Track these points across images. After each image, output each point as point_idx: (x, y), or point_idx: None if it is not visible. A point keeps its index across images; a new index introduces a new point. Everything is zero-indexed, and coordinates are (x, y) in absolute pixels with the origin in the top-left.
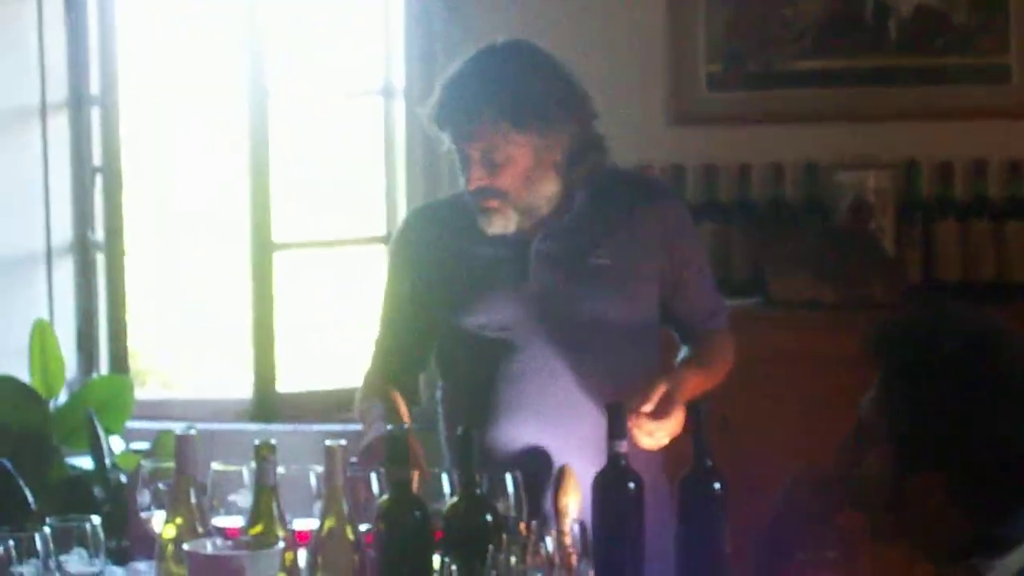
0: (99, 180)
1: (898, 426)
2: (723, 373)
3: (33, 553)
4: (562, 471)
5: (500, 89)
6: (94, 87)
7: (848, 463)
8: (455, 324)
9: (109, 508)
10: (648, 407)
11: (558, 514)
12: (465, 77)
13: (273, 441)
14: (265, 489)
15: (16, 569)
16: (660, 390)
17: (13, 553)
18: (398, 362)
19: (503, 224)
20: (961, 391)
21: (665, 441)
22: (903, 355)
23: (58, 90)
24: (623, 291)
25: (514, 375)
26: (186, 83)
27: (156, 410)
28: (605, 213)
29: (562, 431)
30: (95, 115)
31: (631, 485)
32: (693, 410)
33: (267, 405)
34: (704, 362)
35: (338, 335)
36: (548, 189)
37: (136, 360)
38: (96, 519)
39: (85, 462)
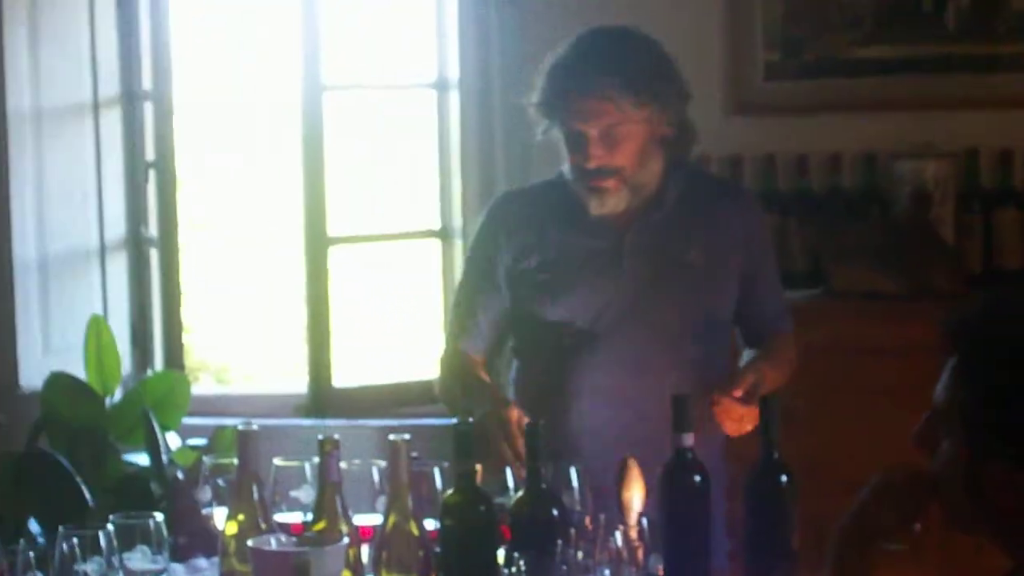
0: (152, 175)
1: (972, 414)
2: (788, 374)
3: (96, 551)
4: (625, 464)
5: (617, 66)
6: (146, 82)
7: (925, 450)
8: (541, 310)
9: (167, 505)
10: (739, 392)
11: (622, 508)
12: (575, 59)
13: (337, 436)
14: (329, 485)
15: (80, 567)
16: (749, 378)
17: (77, 551)
18: (476, 344)
19: (615, 203)
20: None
21: (750, 428)
22: (979, 341)
23: (110, 85)
24: (709, 289)
25: (595, 364)
26: (239, 77)
27: (211, 406)
28: (694, 211)
29: (641, 424)
30: (148, 110)
31: (697, 478)
32: (763, 403)
33: (322, 400)
34: (775, 362)
35: (393, 330)
36: (655, 166)
37: (190, 356)
38: (159, 516)
39: (142, 459)
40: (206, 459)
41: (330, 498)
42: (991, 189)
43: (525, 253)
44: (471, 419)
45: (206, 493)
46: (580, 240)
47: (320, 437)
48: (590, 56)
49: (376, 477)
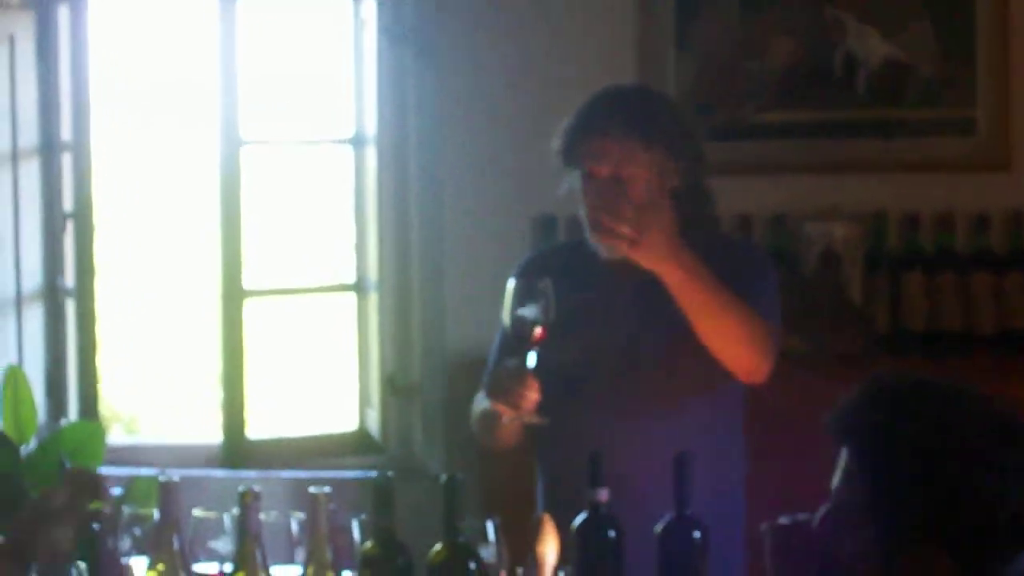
0: (70, 226)
1: (879, 504)
2: (735, 330)
3: None
4: (540, 519)
5: (630, 109)
6: (65, 132)
7: (832, 545)
8: (548, 360)
9: (82, 554)
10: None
11: (536, 562)
12: (595, 103)
13: (257, 488)
14: (248, 536)
15: None
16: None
17: None
18: None
19: (624, 248)
20: (934, 461)
21: (654, 247)
22: (865, 438)
23: (29, 135)
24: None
25: (590, 411)
26: (158, 130)
27: (124, 456)
28: None
29: (628, 474)
30: (67, 160)
31: (611, 533)
32: (678, 460)
33: (237, 451)
34: (720, 284)
35: (308, 382)
36: (664, 218)
37: (103, 406)
38: (83, 564)
39: None
40: (125, 508)
41: (250, 549)
42: (898, 252)
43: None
44: (390, 473)
45: (125, 542)
46: (586, 293)
47: (241, 489)
48: (603, 103)
49: (295, 529)
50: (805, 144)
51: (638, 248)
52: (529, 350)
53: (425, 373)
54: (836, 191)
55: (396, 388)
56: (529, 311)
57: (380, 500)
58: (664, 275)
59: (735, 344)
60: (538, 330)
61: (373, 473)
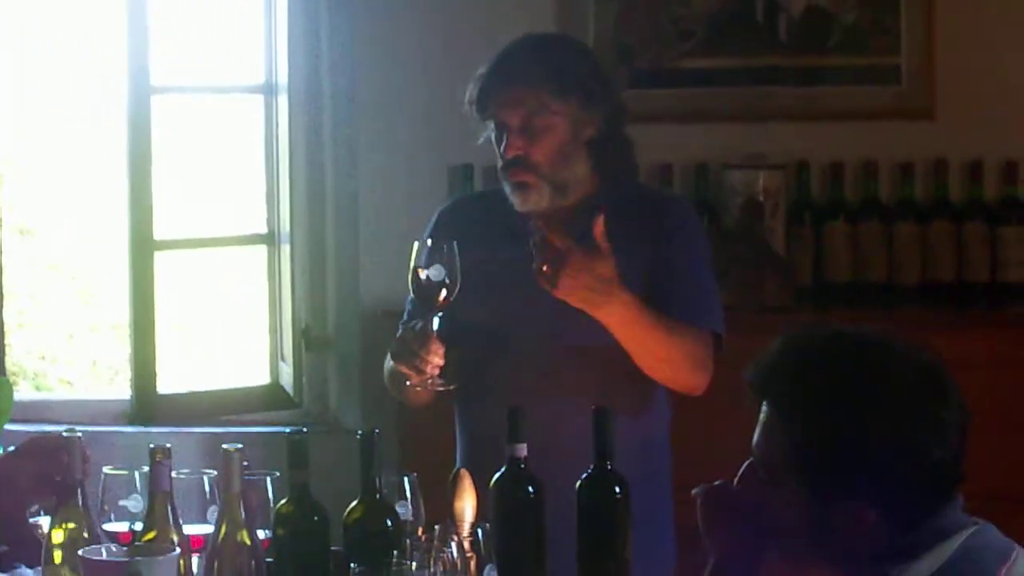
0: None
1: (800, 460)
2: (675, 358)
3: None
4: (457, 475)
5: (543, 58)
6: None
7: (756, 502)
8: (463, 315)
9: None
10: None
11: (455, 518)
12: (508, 52)
13: (168, 445)
14: (159, 494)
15: None
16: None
17: None
18: None
19: (536, 200)
20: (854, 413)
21: (578, 291)
22: (785, 391)
23: None
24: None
25: (509, 367)
26: (65, 77)
27: (33, 412)
28: (623, 223)
29: (548, 430)
30: None
31: (530, 488)
32: (598, 414)
33: (147, 407)
34: (658, 317)
35: (220, 335)
36: (580, 169)
37: (10, 361)
38: None
39: None
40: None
41: (161, 508)
42: (821, 202)
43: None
44: (304, 429)
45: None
46: (504, 246)
47: (151, 446)
48: (516, 51)
49: (207, 486)
50: (727, 92)
51: (559, 289)
52: (435, 313)
53: (339, 325)
54: (759, 140)
55: (310, 341)
56: (434, 273)
57: (294, 457)
58: (600, 318)
59: (675, 371)
60: (443, 292)
61: (287, 428)
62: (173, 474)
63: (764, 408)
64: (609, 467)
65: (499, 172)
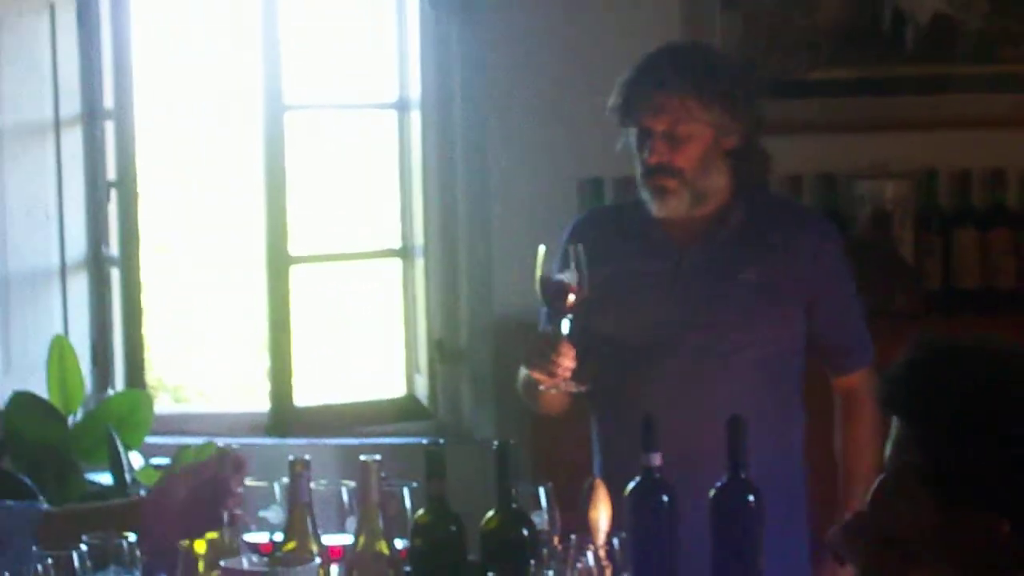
0: (114, 194)
1: (934, 471)
2: (876, 447)
3: (69, 572)
4: (591, 485)
5: (689, 65)
6: (108, 101)
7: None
8: (601, 326)
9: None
10: None
11: (590, 528)
12: (653, 59)
13: (307, 457)
14: (299, 505)
15: None
16: None
17: (52, 572)
18: None
19: (676, 205)
20: (990, 424)
21: None
22: (916, 406)
23: (71, 104)
24: (765, 311)
25: (648, 378)
26: (202, 96)
27: (172, 425)
28: (760, 233)
29: (685, 441)
30: (109, 129)
31: (664, 498)
32: (731, 423)
33: (284, 419)
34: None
35: (354, 349)
36: (720, 179)
37: (149, 375)
38: (132, 536)
39: (105, 478)
40: None
41: (300, 518)
42: (949, 209)
43: (592, 266)
44: (441, 440)
45: None
46: (642, 257)
47: (291, 458)
48: (661, 58)
49: (345, 497)
50: (854, 102)
51: None
52: (562, 316)
53: (473, 338)
54: (886, 149)
55: (444, 353)
56: (561, 276)
57: (432, 467)
58: None
59: None
60: (571, 296)
61: (422, 440)
62: (312, 485)
63: (895, 423)
64: (743, 476)
65: (639, 178)
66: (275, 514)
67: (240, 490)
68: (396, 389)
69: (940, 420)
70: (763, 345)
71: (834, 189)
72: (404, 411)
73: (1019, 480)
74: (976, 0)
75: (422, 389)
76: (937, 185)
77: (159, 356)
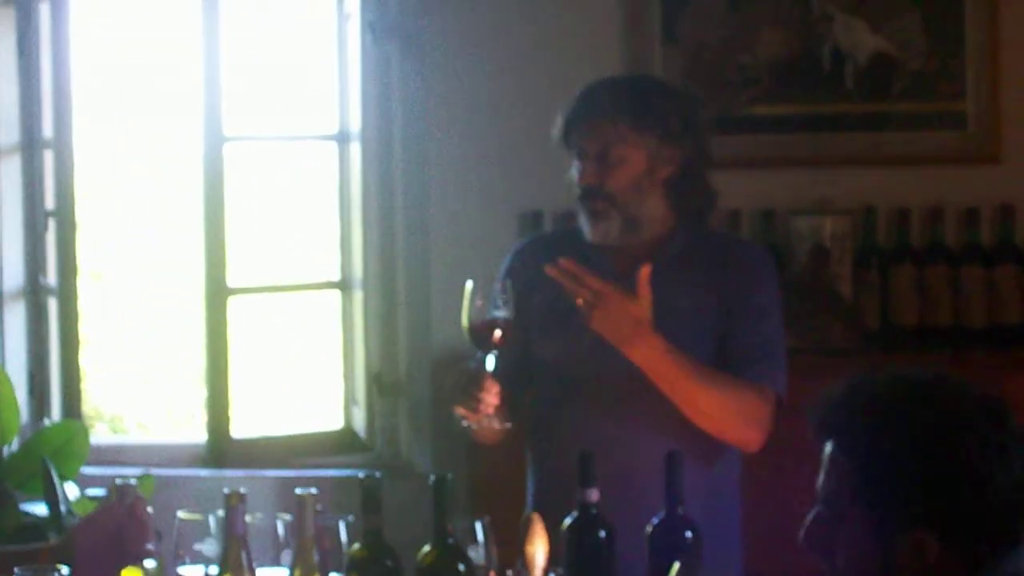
0: (52, 224)
1: (866, 492)
2: (718, 412)
3: None
4: (529, 519)
5: (625, 91)
6: (47, 130)
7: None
8: (538, 352)
9: (66, 556)
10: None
11: (526, 563)
12: (593, 86)
13: (243, 490)
14: (234, 538)
15: None
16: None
17: None
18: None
19: (606, 229)
20: (919, 446)
21: (608, 326)
22: (850, 431)
23: (10, 132)
24: (699, 343)
25: (580, 408)
26: (142, 126)
27: (109, 455)
28: (695, 266)
29: (618, 472)
30: (48, 158)
31: (601, 533)
32: (669, 458)
33: (221, 450)
34: (695, 367)
35: (292, 381)
36: (655, 208)
37: (85, 405)
38: (65, 569)
39: (40, 508)
40: None
41: (235, 552)
42: (888, 246)
43: (529, 293)
44: (377, 474)
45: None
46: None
47: (226, 490)
48: (600, 85)
49: (280, 530)
50: (794, 138)
51: (592, 321)
52: (488, 352)
53: (411, 371)
54: (825, 185)
55: (382, 386)
56: (488, 312)
57: (367, 501)
58: (631, 358)
59: (720, 424)
60: (497, 332)
61: (360, 472)
62: (248, 518)
63: (827, 447)
64: (680, 512)
65: (576, 203)
66: (210, 547)
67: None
68: (334, 422)
69: (868, 439)
70: None
71: (773, 225)
72: (342, 444)
73: (943, 497)
74: (914, 38)
75: (360, 422)
76: (876, 222)
77: (97, 386)
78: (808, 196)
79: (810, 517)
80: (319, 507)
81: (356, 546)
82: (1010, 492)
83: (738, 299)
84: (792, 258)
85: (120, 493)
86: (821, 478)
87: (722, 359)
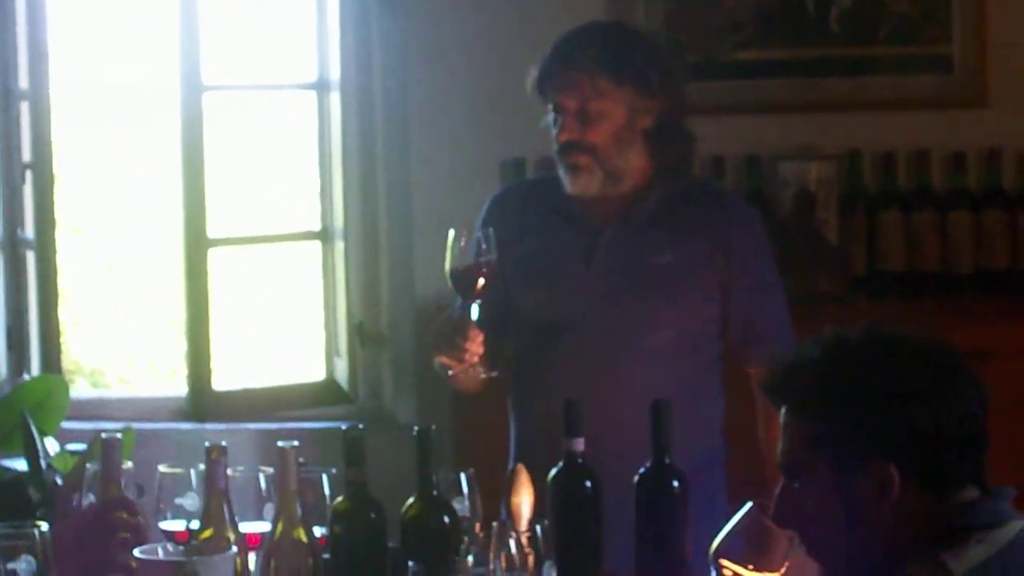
0: (29, 176)
1: (823, 437)
2: None
3: None
4: (514, 472)
5: (602, 43)
6: (23, 81)
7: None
8: (517, 302)
9: (45, 512)
10: None
11: (511, 515)
12: (568, 37)
13: (224, 443)
14: (215, 492)
15: None
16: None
17: None
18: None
19: (587, 182)
20: (860, 382)
21: None
22: (797, 388)
23: None
24: (681, 293)
25: (563, 359)
26: (117, 76)
27: (89, 410)
28: (677, 215)
29: (602, 423)
30: (24, 110)
31: (587, 484)
32: (655, 407)
33: (203, 403)
34: None
35: (275, 332)
36: (635, 159)
37: (66, 359)
38: (44, 525)
39: (19, 464)
40: (89, 466)
41: (217, 506)
42: (874, 191)
43: (509, 243)
44: (360, 425)
45: (89, 499)
46: (559, 234)
47: (207, 444)
48: (575, 37)
49: (263, 484)
50: (778, 83)
51: None
52: (472, 301)
53: (393, 321)
54: (810, 130)
55: (364, 337)
56: (469, 260)
57: (350, 453)
58: None
59: None
60: (480, 280)
61: (342, 424)
62: (229, 471)
63: (783, 413)
64: (667, 461)
65: (555, 155)
66: (191, 501)
67: (126, 535)
68: (316, 373)
69: (817, 390)
70: (677, 326)
71: (758, 170)
72: (324, 395)
73: (897, 426)
74: None
75: (342, 373)
76: (862, 167)
77: (78, 340)
78: (793, 141)
79: (776, 493)
80: (301, 460)
81: (339, 499)
82: (964, 420)
83: (736, 268)
84: (777, 204)
85: (106, 447)
86: (779, 446)
87: (733, 326)
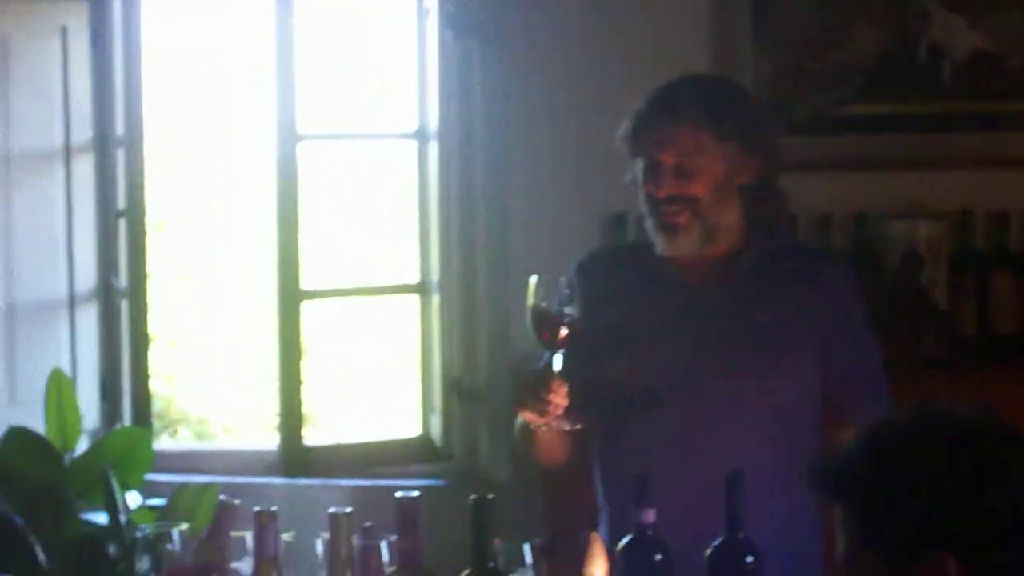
0: (122, 224)
1: (877, 532)
2: None
3: None
4: (588, 539)
5: (704, 97)
6: (120, 127)
7: None
8: (608, 367)
9: (124, 567)
10: None
11: None
12: (667, 89)
13: (274, 508)
14: (265, 560)
15: None
16: None
17: None
18: None
19: (685, 242)
20: (911, 470)
21: None
22: (851, 481)
23: (82, 131)
24: (782, 355)
25: (657, 428)
26: (214, 125)
27: (182, 462)
28: (773, 275)
29: (706, 490)
30: (120, 157)
31: (657, 556)
32: (730, 481)
33: (294, 458)
34: None
35: (369, 387)
36: (732, 215)
37: (170, 409)
38: None
39: (102, 518)
40: (145, 528)
41: (266, 574)
42: (986, 251)
43: (596, 310)
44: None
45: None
46: (651, 296)
47: (256, 509)
48: (675, 89)
49: (319, 549)
50: (888, 139)
51: None
52: (555, 351)
53: (490, 377)
54: (920, 188)
55: (461, 393)
56: (553, 308)
57: (406, 522)
58: None
59: None
60: (563, 330)
61: (436, 482)
62: (286, 536)
63: (836, 511)
64: (740, 536)
65: (645, 213)
66: (246, 566)
67: None
68: (411, 429)
69: (870, 480)
70: (779, 391)
71: (865, 229)
72: (418, 452)
73: (953, 515)
74: (1015, 35)
75: (437, 429)
76: (973, 226)
77: (170, 391)
78: (902, 199)
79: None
80: (367, 524)
81: (392, 568)
82: (1016, 505)
83: (834, 331)
84: (884, 264)
85: (220, 510)
86: (837, 547)
87: (832, 386)
